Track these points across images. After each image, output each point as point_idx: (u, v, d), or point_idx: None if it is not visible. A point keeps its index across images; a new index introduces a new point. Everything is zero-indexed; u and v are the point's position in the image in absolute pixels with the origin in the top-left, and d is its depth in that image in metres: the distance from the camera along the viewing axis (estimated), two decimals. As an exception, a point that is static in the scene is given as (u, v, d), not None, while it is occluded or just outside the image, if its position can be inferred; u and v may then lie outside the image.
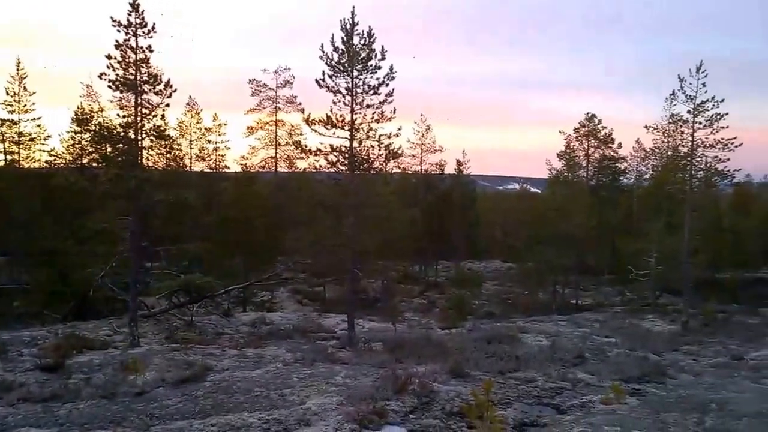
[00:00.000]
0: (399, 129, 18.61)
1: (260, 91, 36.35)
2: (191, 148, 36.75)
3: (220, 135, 37.26)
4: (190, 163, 36.29)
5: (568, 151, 36.44)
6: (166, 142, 17.01)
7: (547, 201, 37.35)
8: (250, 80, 36.42)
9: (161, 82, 16.10)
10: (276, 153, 36.58)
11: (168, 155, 18.07)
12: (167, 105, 16.42)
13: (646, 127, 29.51)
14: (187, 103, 36.28)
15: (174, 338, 16.72)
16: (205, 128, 37.06)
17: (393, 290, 29.89)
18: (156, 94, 16.14)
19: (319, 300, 31.23)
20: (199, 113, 36.98)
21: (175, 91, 16.35)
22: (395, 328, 20.38)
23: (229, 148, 37.76)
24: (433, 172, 41.97)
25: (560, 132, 37.21)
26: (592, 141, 36.93)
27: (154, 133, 16.30)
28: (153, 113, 16.21)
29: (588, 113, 37.07)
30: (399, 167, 39.43)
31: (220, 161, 37.56)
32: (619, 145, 37.50)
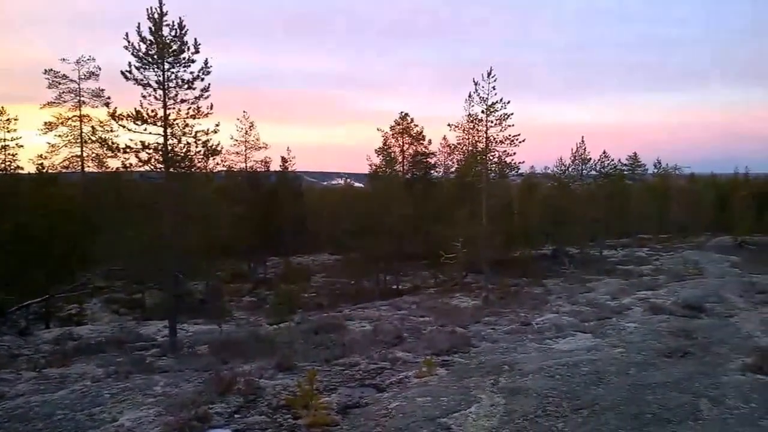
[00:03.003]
0: (217, 125, 18.28)
1: (59, 83, 32.73)
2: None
3: (9, 131, 32.79)
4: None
5: (385, 147, 38.57)
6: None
7: (368, 195, 39.19)
8: (46, 71, 32.59)
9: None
10: (82, 151, 33.25)
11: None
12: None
13: (449, 125, 32.59)
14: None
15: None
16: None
17: (220, 291, 29.11)
18: None
19: (138, 308, 29.24)
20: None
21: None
22: (221, 329, 20.04)
23: (22, 146, 33.46)
24: (258, 169, 41.54)
25: (378, 129, 39.33)
26: (407, 138, 39.57)
27: None
28: None
29: (402, 112, 39.71)
30: (223, 165, 38.37)
31: (11, 161, 33.08)
32: (429, 142, 40.73)
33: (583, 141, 43.21)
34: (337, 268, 40.95)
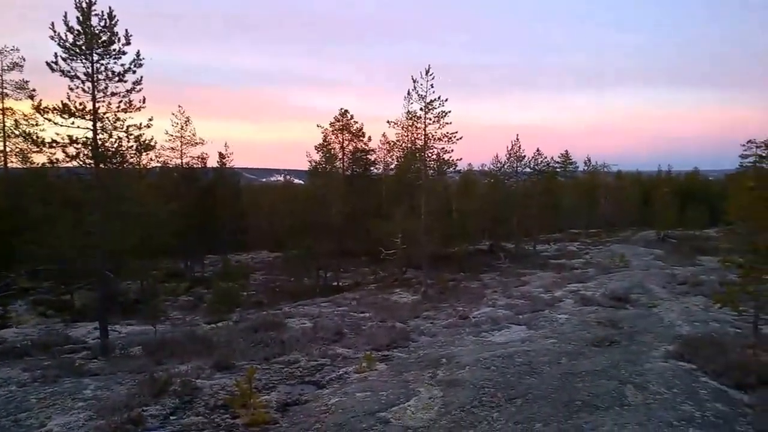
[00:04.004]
0: (150, 120, 17.67)
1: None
2: None
3: None
4: None
5: (325, 144, 38.39)
6: None
7: (308, 191, 38.90)
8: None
9: None
10: (5, 146, 31.32)
11: None
12: None
13: (388, 122, 32.78)
14: None
15: None
16: None
17: (154, 290, 28.18)
18: None
19: (67, 309, 27.86)
20: None
21: None
22: (156, 330, 19.46)
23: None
24: (195, 166, 40.42)
25: (318, 126, 39.11)
26: (346, 135, 39.56)
27: None
28: None
29: (342, 109, 39.65)
30: (157, 161, 37.16)
31: None
32: (369, 139, 40.87)
33: (518, 139, 44.56)
34: (277, 266, 40.53)
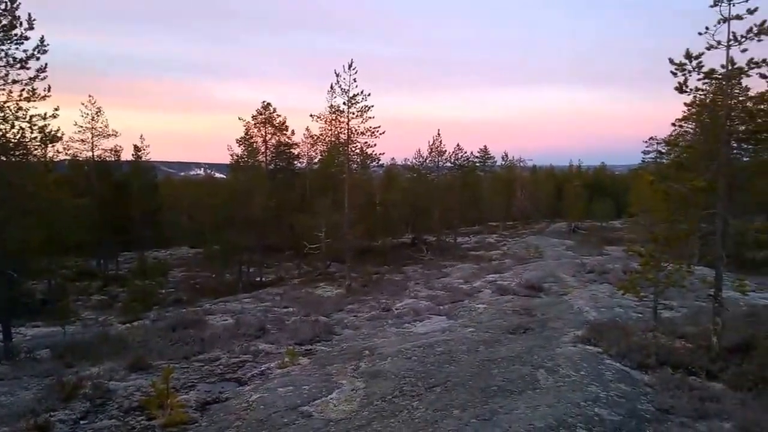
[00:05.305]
0: (57, 109, 16.69)
1: None
2: None
3: None
4: None
5: (247, 137, 37.54)
6: None
7: (230, 185, 37.94)
8: None
9: None
10: None
11: None
12: None
13: (311, 116, 32.57)
14: None
15: None
16: None
17: (64, 290, 26.59)
18: None
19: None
20: None
21: None
22: (66, 331, 18.45)
23: None
24: (108, 159, 38.33)
25: (240, 119, 38.15)
26: (269, 128, 38.83)
27: None
28: None
29: (264, 101, 38.83)
30: (66, 153, 34.95)
31: None
32: (293, 132, 40.39)
33: (439, 134, 45.50)
34: (197, 262, 39.33)
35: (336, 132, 32.82)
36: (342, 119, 29.24)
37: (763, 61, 11.03)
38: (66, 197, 22.60)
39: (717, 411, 8.88)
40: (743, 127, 12.07)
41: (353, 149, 29.50)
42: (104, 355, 13.66)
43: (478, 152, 59.86)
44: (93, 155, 37.20)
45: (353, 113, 27.62)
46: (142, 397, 9.81)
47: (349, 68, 26.60)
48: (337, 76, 26.90)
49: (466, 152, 48.65)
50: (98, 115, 36.96)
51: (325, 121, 32.62)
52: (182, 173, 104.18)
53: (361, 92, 27.01)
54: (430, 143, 45.27)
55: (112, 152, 38.32)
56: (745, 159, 14.75)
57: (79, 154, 36.82)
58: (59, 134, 17.11)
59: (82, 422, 8.99)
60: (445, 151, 45.80)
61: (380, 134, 28.12)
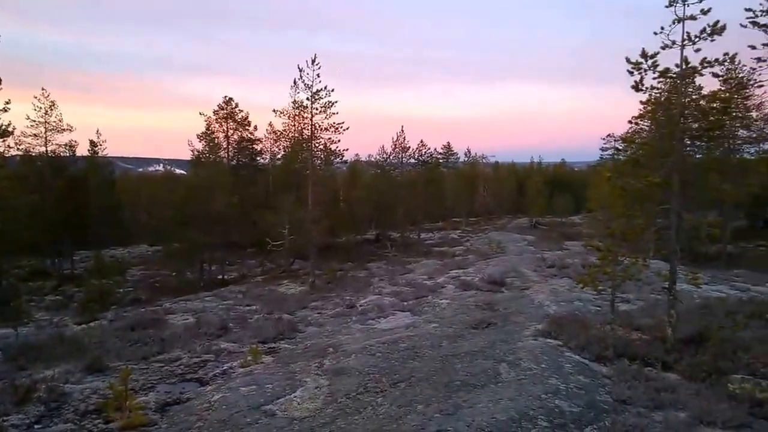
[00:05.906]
0: (8, 103, 16.10)
1: None
2: None
3: None
4: None
5: (209, 132, 36.89)
6: None
7: (191, 181, 37.16)
8: None
9: None
10: None
11: None
12: None
13: (274, 111, 32.16)
14: None
15: None
16: None
17: (15, 290, 25.58)
18: None
19: None
20: None
21: None
22: (18, 333, 17.76)
23: None
24: (62, 154, 36.99)
25: (201, 114, 37.47)
26: (231, 123, 38.26)
27: None
28: None
29: (226, 96, 38.26)
30: (17, 148, 33.57)
31: None
32: (255, 128, 39.86)
33: (402, 130, 45.68)
34: (157, 260, 38.42)
35: (299, 128, 32.51)
36: (306, 115, 28.96)
37: (716, 60, 11.45)
38: (16, 194, 21.83)
39: (672, 401, 9.18)
40: (696, 125, 12.48)
41: (317, 145, 29.28)
42: (59, 357, 13.24)
43: (442, 149, 60.37)
44: (47, 150, 35.88)
45: (317, 109, 27.38)
46: (99, 400, 9.55)
47: (313, 63, 26.35)
48: (301, 71, 26.64)
49: (429, 149, 48.92)
50: (52, 109, 35.63)
51: (289, 117, 32.30)
52: (140, 169, 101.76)
53: (325, 88, 26.80)
54: (394, 139, 45.38)
55: (67, 147, 37.03)
56: (698, 156, 15.27)
57: (31, 149, 35.43)
58: (10, 128, 16.51)
59: (36, 426, 8.72)
60: (409, 147, 45.98)
61: (344, 130, 27.96)
